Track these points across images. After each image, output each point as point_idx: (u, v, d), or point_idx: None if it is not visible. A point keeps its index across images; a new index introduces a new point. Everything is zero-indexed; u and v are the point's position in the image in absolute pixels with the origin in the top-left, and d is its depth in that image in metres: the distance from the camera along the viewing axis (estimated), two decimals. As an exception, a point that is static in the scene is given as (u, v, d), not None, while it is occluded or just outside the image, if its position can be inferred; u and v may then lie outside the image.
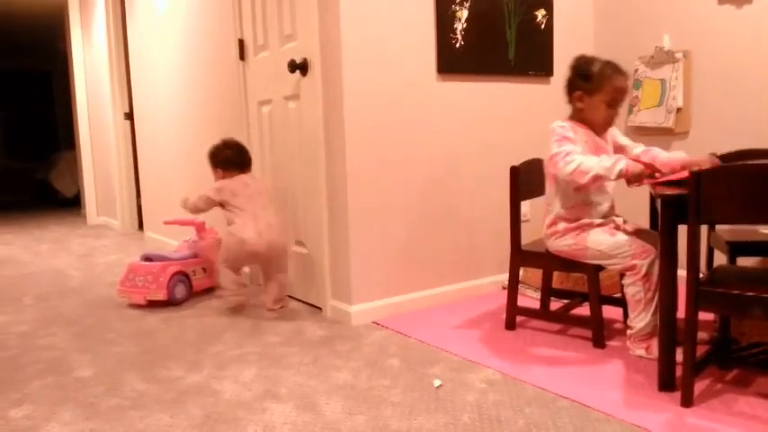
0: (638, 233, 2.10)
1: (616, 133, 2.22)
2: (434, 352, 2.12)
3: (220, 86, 3.35)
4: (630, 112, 2.99)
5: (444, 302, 2.71)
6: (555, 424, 1.56)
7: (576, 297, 2.50)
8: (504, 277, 2.85)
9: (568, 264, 2.16)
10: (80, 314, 2.76)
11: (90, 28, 5.72)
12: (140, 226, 5.26)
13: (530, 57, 2.89)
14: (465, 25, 2.65)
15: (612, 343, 2.14)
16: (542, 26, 2.92)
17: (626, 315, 2.19)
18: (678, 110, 2.81)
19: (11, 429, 1.63)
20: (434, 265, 2.70)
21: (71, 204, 7.75)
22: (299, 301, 2.84)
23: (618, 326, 2.32)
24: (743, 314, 1.66)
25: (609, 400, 1.69)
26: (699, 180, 1.53)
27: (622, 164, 1.92)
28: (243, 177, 2.73)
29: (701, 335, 2.04)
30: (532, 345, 2.16)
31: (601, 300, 2.13)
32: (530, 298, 2.72)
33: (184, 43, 3.79)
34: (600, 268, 2.09)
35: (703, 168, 1.54)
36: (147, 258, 2.94)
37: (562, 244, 2.12)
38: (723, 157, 2.23)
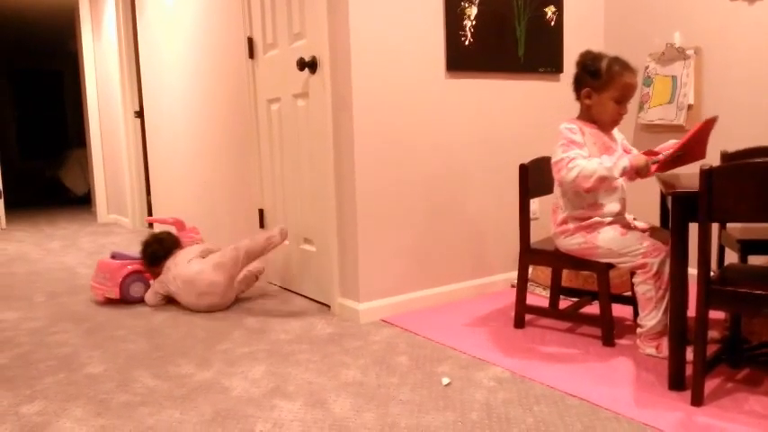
0: (649, 231, 2.09)
1: (622, 140, 2.21)
2: (443, 350, 2.12)
3: (230, 85, 3.36)
4: (641, 109, 2.97)
5: (453, 300, 2.71)
6: (564, 422, 1.56)
7: (585, 295, 2.49)
8: (513, 275, 2.85)
9: (578, 262, 2.15)
10: (90, 311, 2.78)
11: (100, 28, 5.75)
12: (150, 224, 5.29)
13: (540, 54, 2.87)
14: (474, 22, 2.64)
15: (622, 342, 2.13)
16: (552, 23, 2.90)
17: (636, 313, 2.18)
18: (689, 107, 2.79)
19: (23, 425, 1.65)
20: (443, 262, 2.70)
21: (82, 202, 7.81)
22: (308, 298, 2.84)
23: (627, 324, 2.30)
24: (754, 313, 1.65)
25: (618, 398, 1.68)
26: (710, 177, 1.52)
27: (625, 160, 1.91)
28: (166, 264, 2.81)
29: (712, 334, 2.04)
30: (541, 343, 2.15)
31: (610, 298, 2.12)
32: (538, 296, 2.71)
33: (194, 42, 3.80)
34: (610, 266, 2.08)
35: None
36: (114, 256, 2.96)
37: (572, 242, 2.11)
38: (734, 155, 2.21)
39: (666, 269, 1.87)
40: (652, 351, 1.97)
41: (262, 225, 3.16)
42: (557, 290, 2.45)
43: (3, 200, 5.71)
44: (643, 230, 2.07)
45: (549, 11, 2.89)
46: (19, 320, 2.67)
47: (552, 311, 2.40)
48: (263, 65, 3.00)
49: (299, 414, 1.66)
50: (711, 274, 1.60)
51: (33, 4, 6.75)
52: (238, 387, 1.85)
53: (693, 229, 1.59)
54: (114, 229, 5.62)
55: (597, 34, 3.13)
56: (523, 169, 2.23)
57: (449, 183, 2.68)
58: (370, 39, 2.40)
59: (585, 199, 2.08)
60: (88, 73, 6.02)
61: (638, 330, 2.00)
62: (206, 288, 2.64)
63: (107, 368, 2.05)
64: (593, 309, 2.43)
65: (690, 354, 1.68)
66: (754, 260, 2.13)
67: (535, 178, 2.27)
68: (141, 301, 2.88)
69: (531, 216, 2.34)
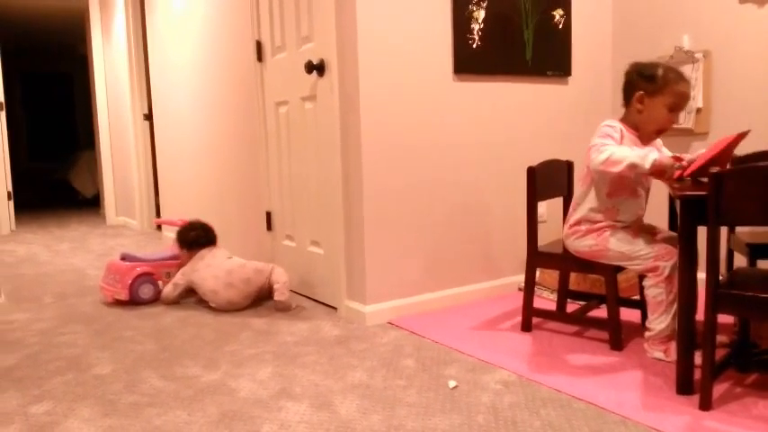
0: (660, 235, 2.08)
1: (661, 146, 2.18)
2: (449, 353, 2.12)
3: (238, 87, 3.38)
4: (649, 112, 2.96)
5: (460, 303, 2.71)
6: (571, 426, 1.55)
7: (592, 299, 2.48)
8: (520, 278, 2.84)
9: (586, 265, 2.14)
10: (99, 312, 2.80)
11: (110, 31, 5.80)
12: (159, 226, 5.31)
13: (547, 57, 2.87)
14: (482, 26, 2.64)
15: (629, 345, 2.12)
16: (560, 26, 2.90)
17: (644, 317, 2.17)
18: (698, 110, 2.78)
19: (31, 425, 1.66)
20: (450, 265, 2.70)
21: (91, 204, 7.86)
22: (314, 300, 2.85)
23: (635, 328, 2.29)
24: (763, 317, 1.64)
25: (626, 402, 1.67)
26: (719, 181, 1.51)
27: (656, 154, 1.88)
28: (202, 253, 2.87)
29: (720, 338, 2.02)
30: (549, 346, 2.14)
31: (618, 302, 2.11)
32: (546, 299, 2.70)
33: (203, 45, 3.82)
34: (618, 270, 2.08)
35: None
36: (123, 258, 2.98)
37: (583, 244, 2.10)
38: (743, 159, 2.20)
39: (677, 273, 1.86)
40: (660, 355, 1.96)
41: (269, 227, 3.17)
42: (564, 293, 2.44)
43: (12, 201, 5.75)
44: (653, 234, 2.05)
45: (557, 14, 2.89)
46: (28, 321, 2.69)
47: (560, 315, 2.40)
48: (271, 68, 3.01)
49: (306, 415, 1.66)
50: (720, 278, 1.59)
51: (44, 7, 6.81)
52: (245, 388, 1.86)
53: (702, 233, 1.58)
54: (123, 231, 5.65)
55: (605, 38, 3.12)
56: (531, 172, 2.22)
57: (456, 185, 2.68)
58: (377, 41, 2.41)
59: (605, 203, 2.06)
60: (98, 76, 6.07)
61: (647, 334, 2.00)
62: (239, 282, 2.69)
63: (115, 369, 2.06)
64: (601, 312, 2.42)
65: (698, 358, 1.67)
66: (763, 264, 2.11)
67: (543, 181, 2.27)
68: (150, 302, 2.89)
69: (539, 219, 2.33)
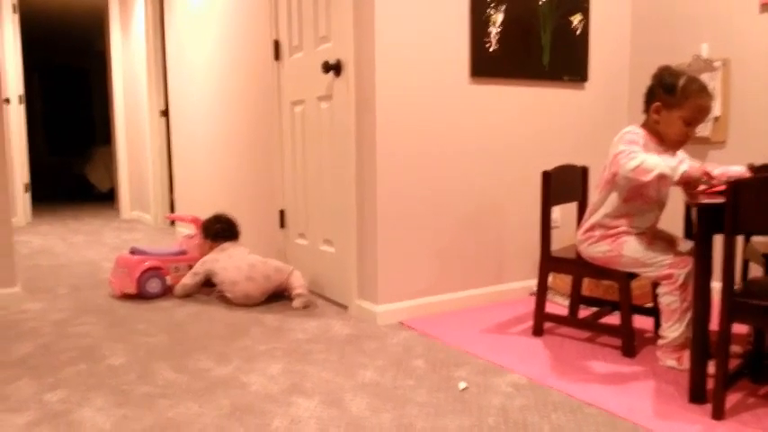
0: (675, 242, 2.07)
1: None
2: (460, 355, 2.12)
3: (255, 86, 3.40)
4: (666, 120, 2.94)
5: (471, 306, 2.71)
6: (581, 431, 1.55)
7: (605, 305, 2.47)
8: (532, 283, 2.84)
9: (600, 271, 2.13)
10: (112, 305, 2.82)
11: (129, 27, 5.86)
12: (172, 221, 5.35)
13: (565, 62, 2.87)
14: (499, 29, 2.65)
15: (642, 353, 2.11)
16: (578, 31, 2.90)
17: (657, 325, 2.16)
18: (716, 119, 2.76)
19: (46, 412, 1.68)
20: (462, 268, 2.70)
21: (106, 198, 7.93)
22: (325, 298, 2.86)
23: (647, 336, 2.28)
24: (779, 327, 1.62)
25: (637, 409, 1.67)
26: (736, 190, 1.50)
27: (686, 165, 1.82)
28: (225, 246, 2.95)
29: (734, 348, 2.01)
30: (560, 351, 2.14)
31: (631, 308, 2.10)
32: (557, 305, 2.70)
33: (221, 43, 3.85)
34: (632, 276, 2.07)
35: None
36: (133, 252, 3.00)
37: (596, 250, 2.09)
38: (761, 168, 2.18)
39: (692, 281, 1.85)
40: (673, 363, 1.95)
41: (282, 225, 3.19)
42: (577, 299, 2.44)
43: (29, 193, 5.82)
44: (668, 241, 2.04)
45: (576, 19, 2.88)
46: (43, 311, 2.72)
47: (572, 320, 2.39)
48: (288, 67, 3.03)
49: (316, 411, 1.67)
50: (735, 287, 1.59)
51: (65, 2, 6.89)
52: (256, 383, 1.87)
53: (717, 242, 1.57)
54: (137, 225, 5.70)
55: (623, 44, 3.11)
56: (546, 177, 2.22)
57: (470, 188, 2.68)
58: (394, 43, 2.42)
59: (621, 209, 2.05)
60: (115, 71, 6.13)
61: (660, 342, 1.98)
62: (260, 277, 2.74)
63: (128, 360, 2.08)
64: (613, 319, 2.41)
65: (711, 367, 1.66)
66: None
67: (557, 186, 2.26)
68: (158, 296, 2.92)
69: (552, 224, 2.33)
